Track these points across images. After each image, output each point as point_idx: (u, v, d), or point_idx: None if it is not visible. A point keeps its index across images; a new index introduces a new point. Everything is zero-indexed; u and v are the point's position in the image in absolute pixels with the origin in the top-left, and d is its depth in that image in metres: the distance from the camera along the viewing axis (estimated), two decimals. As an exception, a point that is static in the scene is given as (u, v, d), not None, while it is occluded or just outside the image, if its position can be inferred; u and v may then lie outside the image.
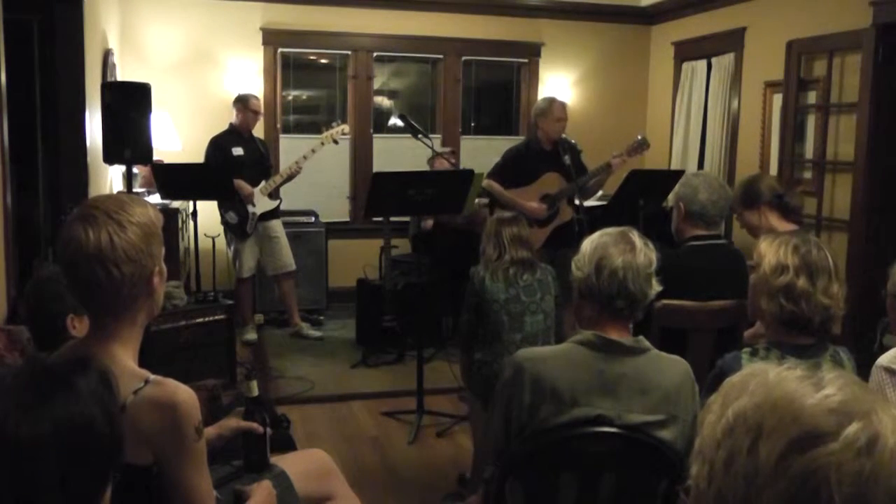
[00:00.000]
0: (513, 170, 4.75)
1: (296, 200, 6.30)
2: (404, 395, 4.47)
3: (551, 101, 4.75)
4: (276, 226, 5.65)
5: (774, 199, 3.19)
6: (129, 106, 4.34)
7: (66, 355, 1.61)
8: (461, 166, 6.18)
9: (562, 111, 4.70)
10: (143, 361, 1.63)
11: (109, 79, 5.22)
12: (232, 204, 5.41)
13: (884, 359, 1.96)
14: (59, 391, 1.01)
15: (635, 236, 1.96)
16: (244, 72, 6.43)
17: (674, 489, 1.83)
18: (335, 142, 5.60)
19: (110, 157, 4.40)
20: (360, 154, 6.82)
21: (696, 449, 0.83)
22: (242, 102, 5.50)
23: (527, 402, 1.90)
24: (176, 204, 5.25)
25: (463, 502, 3.21)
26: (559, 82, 7.12)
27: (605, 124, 6.97)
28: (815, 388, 0.78)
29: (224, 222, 5.52)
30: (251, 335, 5.65)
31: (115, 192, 5.33)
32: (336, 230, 6.59)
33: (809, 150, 5.44)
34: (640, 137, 4.73)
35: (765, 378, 0.81)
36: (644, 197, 4.45)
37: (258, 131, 5.85)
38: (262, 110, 5.69)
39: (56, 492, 0.96)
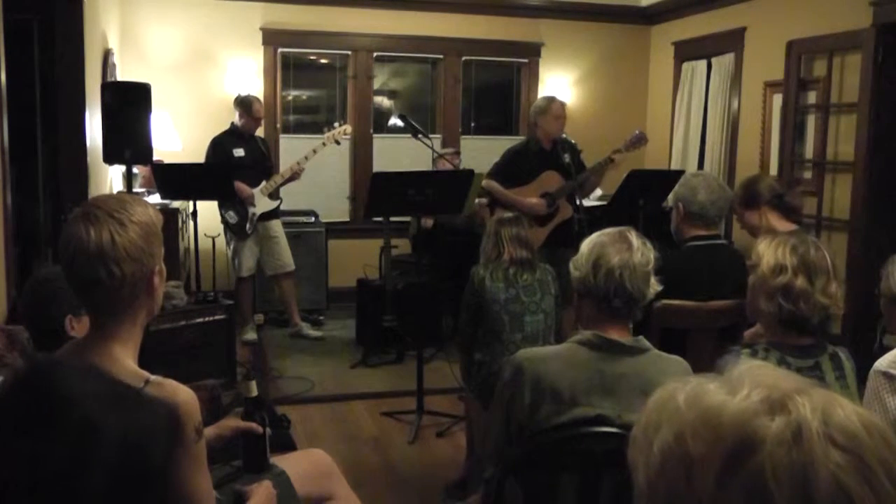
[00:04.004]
0: (512, 169, 4.76)
1: (296, 200, 6.30)
2: (404, 395, 4.47)
3: (550, 100, 4.77)
4: (276, 226, 5.65)
5: (775, 199, 3.19)
6: (129, 106, 4.34)
7: (66, 355, 1.62)
8: (462, 167, 6.18)
9: (560, 110, 4.72)
10: (143, 361, 1.63)
11: (109, 79, 5.22)
12: (232, 203, 5.41)
13: (882, 363, 1.96)
14: (130, 403, 1.02)
15: (633, 236, 1.96)
16: (244, 72, 6.43)
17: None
18: (337, 142, 5.60)
19: (110, 157, 4.40)
20: (360, 154, 6.82)
21: (636, 494, 0.80)
22: (244, 108, 5.48)
23: (527, 401, 1.90)
24: (176, 204, 5.25)
25: (463, 502, 3.21)
26: (559, 82, 7.12)
27: (605, 124, 6.96)
28: (730, 393, 0.75)
29: (224, 222, 5.52)
30: (251, 335, 5.64)
31: (115, 192, 5.33)
32: (336, 230, 6.59)
33: (809, 150, 5.44)
34: (637, 132, 4.75)
35: (675, 404, 0.78)
36: (644, 197, 4.46)
37: (258, 130, 5.85)
38: (263, 114, 5.69)
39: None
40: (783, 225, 3.13)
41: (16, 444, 0.94)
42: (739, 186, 3.36)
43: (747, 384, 0.76)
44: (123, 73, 5.88)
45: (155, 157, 4.87)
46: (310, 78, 7.15)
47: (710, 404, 0.75)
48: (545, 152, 4.73)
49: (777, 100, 5.71)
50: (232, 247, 5.60)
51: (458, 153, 6.25)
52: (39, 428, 0.95)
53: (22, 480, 0.93)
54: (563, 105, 4.78)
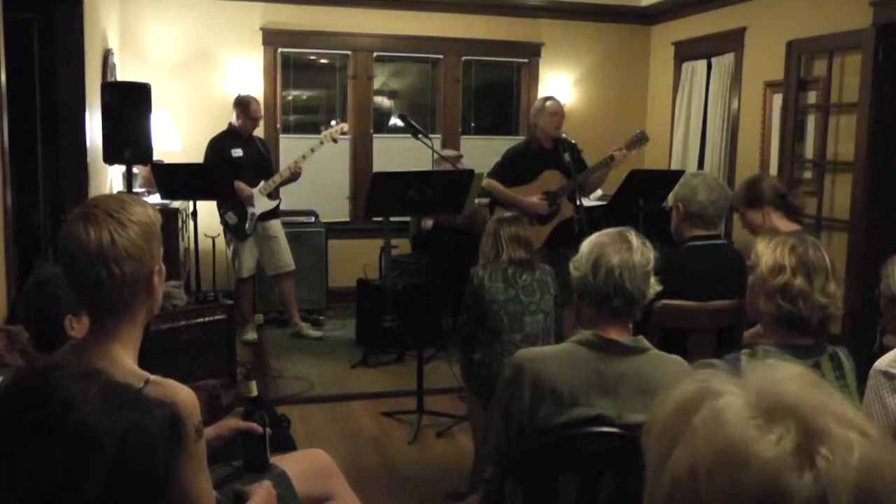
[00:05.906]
0: (513, 168, 4.78)
1: (296, 200, 6.30)
2: (404, 395, 4.47)
3: (546, 99, 4.87)
4: (276, 226, 5.65)
5: (778, 199, 3.19)
6: (129, 106, 4.34)
7: (66, 355, 1.62)
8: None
9: (556, 107, 4.77)
10: (143, 361, 1.63)
11: (109, 79, 5.22)
12: (231, 204, 5.41)
13: (882, 362, 1.96)
14: (128, 405, 1.01)
15: (633, 236, 1.96)
16: (244, 72, 6.43)
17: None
18: (334, 141, 5.59)
19: (110, 157, 4.40)
20: (360, 154, 6.82)
21: (645, 496, 0.73)
22: (242, 108, 5.48)
23: (527, 401, 1.90)
24: (176, 204, 5.25)
25: (463, 502, 3.21)
26: (559, 82, 7.12)
27: (605, 124, 6.96)
28: (757, 429, 0.64)
29: (223, 222, 5.52)
30: (251, 335, 5.65)
31: (115, 192, 5.33)
32: (336, 230, 6.59)
33: (809, 150, 5.44)
34: (638, 132, 4.78)
35: (693, 428, 0.67)
36: (644, 197, 4.46)
37: (258, 131, 5.85)
38: (262, 115, 5.68)
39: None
40: (786, 225, 3.13)
41: (14, 450, 0.94)
42: (742, 185, 3.36)
43: (778, 418, 0.64)
44: (123, 73, 5.89)
45: (155, 157, 4.86)
46: (310, 78, 7.15)
47: (733, 442, 0.65)
48: (546, 151, 4.75)
49: (777, 100, 5.71)
50: (232, 248, 5.60)
51: (460, 157, 6.22)
52: (37, 433, 0.94)
53: (20, 486, 0.92)
54: (559, 103, 4.84)
